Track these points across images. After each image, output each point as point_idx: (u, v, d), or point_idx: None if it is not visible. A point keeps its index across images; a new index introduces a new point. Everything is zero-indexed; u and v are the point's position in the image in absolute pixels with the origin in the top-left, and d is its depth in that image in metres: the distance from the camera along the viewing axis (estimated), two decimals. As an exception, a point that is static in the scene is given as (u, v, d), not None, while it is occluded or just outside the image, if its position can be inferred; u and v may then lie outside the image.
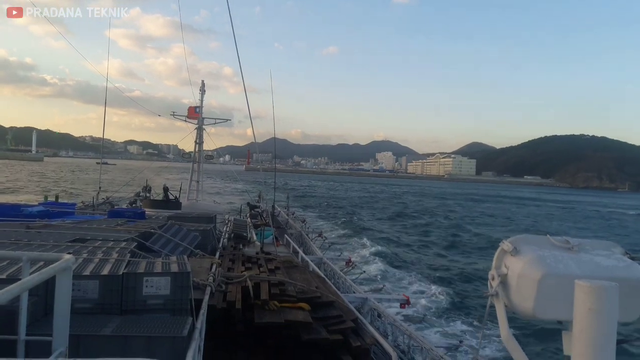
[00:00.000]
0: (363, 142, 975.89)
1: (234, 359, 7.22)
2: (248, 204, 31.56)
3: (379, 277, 23.93)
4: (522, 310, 2.46)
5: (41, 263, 4.03)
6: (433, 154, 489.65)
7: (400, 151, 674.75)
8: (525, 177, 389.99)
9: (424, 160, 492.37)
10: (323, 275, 12.79)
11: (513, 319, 2.65)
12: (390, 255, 31.33)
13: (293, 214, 34.45)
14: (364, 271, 20.40)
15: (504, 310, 2.59)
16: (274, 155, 44.11)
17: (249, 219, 25.66)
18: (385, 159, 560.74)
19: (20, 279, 2.91)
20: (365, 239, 37.09)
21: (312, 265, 13.95)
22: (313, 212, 54.90)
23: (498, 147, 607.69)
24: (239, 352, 7.35)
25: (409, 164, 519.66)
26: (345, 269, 17.43)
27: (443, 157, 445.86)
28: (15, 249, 5.62)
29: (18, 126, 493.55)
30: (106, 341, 4.08)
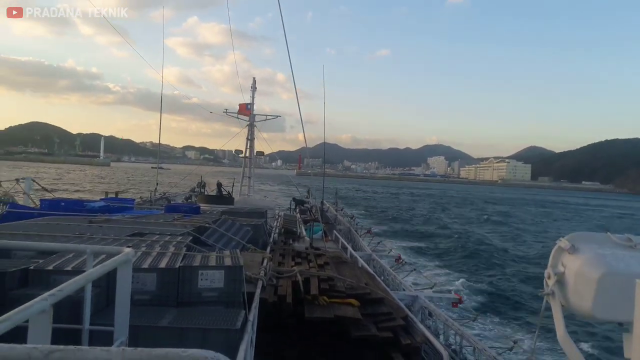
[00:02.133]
0: (415, 146, 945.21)
1: (285, 353, 7.33)
2: (294, 199, 31.90)
3: (430, 274, 23.57)
4: (579, 310, 2.36)
5: (103, 256, 4.23)
6: (487, 159, 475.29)
7: (453, 155, 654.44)
8: (583, 182, 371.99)
9: (477, 165, 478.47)
10: (372, 272, 12.73)
11: (570, 319, 2.54)
12: (436, 253, 30.90)
13: (342, 210, 34.46)
14: (415, 269, 20.12)
15: (560, 310, 2.49)
16: (324, 160, 44.73)
17: (298, 215, 25.92)
18: (437, 164, 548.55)
19: (84, 271, 3.06)
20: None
21: (361, 262, 13.91)
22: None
23: (557, 151, 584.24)
24: (289, 346, 7.45)
25: (461, 168, 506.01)
26: (395, 266, 17.26)
27: (497, 162, 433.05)
28: (79, 243, 5.93)
29: (85, 132, 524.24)
30: (163, 332, 4.23)
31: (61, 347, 1.64)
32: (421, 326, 8.63)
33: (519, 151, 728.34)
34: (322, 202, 29.57)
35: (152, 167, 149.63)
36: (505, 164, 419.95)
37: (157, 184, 27.00)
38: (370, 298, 8.68)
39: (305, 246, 14.37)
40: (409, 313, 9.22)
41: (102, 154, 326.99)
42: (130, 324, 3.48)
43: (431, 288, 15.53)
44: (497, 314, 18.24)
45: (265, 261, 8.17)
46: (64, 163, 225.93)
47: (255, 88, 31.28)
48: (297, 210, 29.21)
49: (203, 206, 17.41)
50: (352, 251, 16.01)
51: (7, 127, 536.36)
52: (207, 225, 9.63)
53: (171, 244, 6.55)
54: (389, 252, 21.52)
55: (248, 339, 4.45)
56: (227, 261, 5.45)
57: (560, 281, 2.48)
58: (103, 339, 3.42)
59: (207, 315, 4.58)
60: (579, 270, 2.34)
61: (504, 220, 63.09)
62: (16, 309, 1.95)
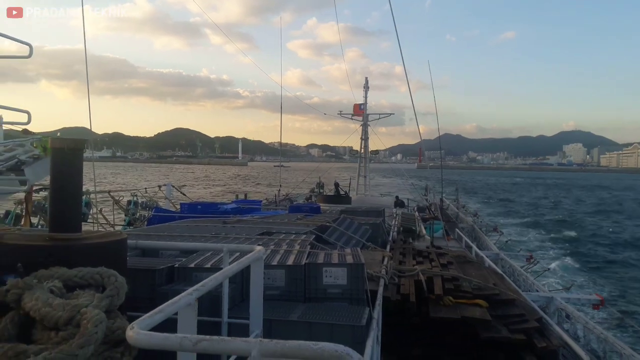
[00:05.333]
0: (549, 134, 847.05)
1: (411, 352, 7.25)
2: (397, 197, 31.07)
3: (566, 274, 21.69)
4: None
5: (237, 254, 4.54)
6: (633, 144, 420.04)
7: (593, 141, 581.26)
8: None
9: (620, 152, 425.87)
10: (501, 272, 12.09)
11: None
12: (576, 251, 28.30)
13: (463, 207, 33.15)
14: (549, 268, 18.66)
15: None
16: (441, 152, 43.80)
17: (417, 213, 25.45)
18: (574, 152, 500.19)
19: (221, 268, 3.33)
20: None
21: (488, 261, 13.27)
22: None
23: None
24: (414, 346, 7.35)
25: (602, 156, 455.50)
26: (526, 266, 16.18)
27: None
28: (215, 242, 6.45)
29: (221, 136, 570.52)
30: (293, 326, 4.44)
31: (207, 337, 1.80)
32: (558, 329, 8.06)
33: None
34: (441, 200, 28.69)
35: (274, 166, 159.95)
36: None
37: (280, 185, 28.45)
38: (500, 299, 8.24)
39: (426, 245, 14.04)
40: (544, 315, 8.68)
41: (240, 154, 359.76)
42: (263, 318, 3.70)
43: (568, 289, 14.34)
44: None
45: (386, 260, 8.14)
46: (208, 164, 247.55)
47: (368, 88, 31.45)
48: (415, 208, 28.66)
49: (322, 206, 17.90)
50: (478, 250, 15.34)
51: (155, 133, 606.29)
52: (327, 224, 9.88)
53: (296, 242, 6.84)
54: (519, 251, 20.20)
55: (374, 336, 4.48)
56: (349, 259, 5.55)
57: None
58: (239, 331, 3.67)
59: (333, 311, 4.71)
60: None
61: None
62: (167, 303, 2.19)
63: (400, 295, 7.58)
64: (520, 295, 9.33)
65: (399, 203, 28.81)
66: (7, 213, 10.95)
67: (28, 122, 3.65)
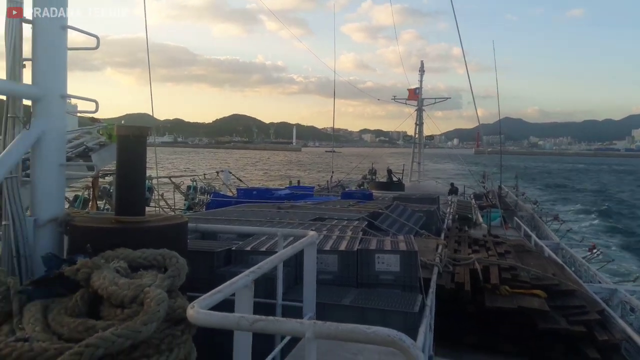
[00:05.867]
0: (617, 117, 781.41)
1: (465, 340, 7.15)
2: (451, 184, 30.06)
3: (624, 264, 20.55)
4: None
5: (291, 238, 4.62)
6: None
7: None
8: None
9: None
10: (561, 262, 11.65)
11: None
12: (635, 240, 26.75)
13: (523, 195, 31.94)
14: (613, 259, 17.72)
15: None
16: (500, 137, 41.87)
17: (473, 200, 24.80)
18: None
19: (276, 252, 3.40)
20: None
21: (548, 251, 12.80)
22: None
23: None
24: (469, 334, 7.24)
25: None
26: (588, 256, 15.44)
27: None
28: (270, 227, 6.59)
29: (276, 122, 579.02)
30: (345, 310, 4.49)
31: (263, 317, 1.86)
32: (621, 322, 7.71)
33: None
34: (499, 187, 27.73)
35: (325, 151, 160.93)
36: None
37: (332, 172, 28.56)
38: (560, 290, 7.94)
39: (483, 233, 13.68)
40: (606, 307, 8.33)
41: (294, 140, 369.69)
42: (316, 301, 3.76)
43: (634, 281, 13.63)
44: None
45: (440, 248, 8.01)
46: (264, 150, 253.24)
47: (424, 71, 30.79)
48: (472, 195, 27.86)
49: (375, 192, 17.83)
50: (537, 239, 14.82)
51: (214, 120, 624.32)
52: (380, 211, 9.84)
53: (348, 228, 6.87)
54: (581, 241, 19.30)
55: (427, 324, 4.45)
56: (402, 246, 5.51)
57: None
58: (293, 313, 3.75)
59: (386, 297, 4.72)
60: None
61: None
62: (225, 284, 2.27)
63: (455, 283, 7.47)
64: (581, 286, 8.99)
65: (453, 190, 27.98)
66: (76, 197, 11.67)
67: (96, 111, 3.83)
